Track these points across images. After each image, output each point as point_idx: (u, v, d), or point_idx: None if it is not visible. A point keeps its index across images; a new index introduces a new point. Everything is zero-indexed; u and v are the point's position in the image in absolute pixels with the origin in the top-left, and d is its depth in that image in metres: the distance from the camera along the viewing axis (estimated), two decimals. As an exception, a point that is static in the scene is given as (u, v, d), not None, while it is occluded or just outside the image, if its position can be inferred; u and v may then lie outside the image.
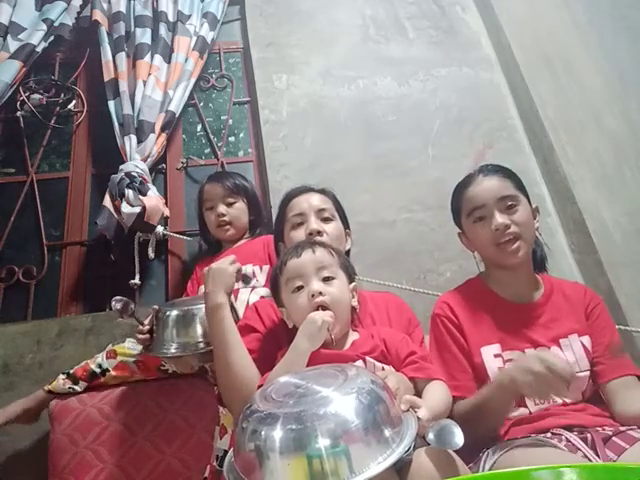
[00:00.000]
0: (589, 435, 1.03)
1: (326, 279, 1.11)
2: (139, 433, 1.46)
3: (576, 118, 2.15)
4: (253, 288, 1.59)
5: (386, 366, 1.08)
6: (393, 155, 2.24)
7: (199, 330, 1.30)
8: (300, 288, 1.11)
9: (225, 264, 1.24)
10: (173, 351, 1.30)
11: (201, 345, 1.29)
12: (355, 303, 1.16)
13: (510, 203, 1.24)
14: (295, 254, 1.13)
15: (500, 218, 1.22)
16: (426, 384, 1.06)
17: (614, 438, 1.01)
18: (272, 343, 1.16)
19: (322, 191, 1.45)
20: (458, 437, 0.78)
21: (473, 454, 1.07)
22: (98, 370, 1.55)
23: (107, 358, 1.56)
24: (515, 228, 1.22)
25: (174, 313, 1.33)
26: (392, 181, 2.19)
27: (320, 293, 1.08)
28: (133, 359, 1.54)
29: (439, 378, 1.09)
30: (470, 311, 1.25)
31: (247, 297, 1.54)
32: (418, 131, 2.31)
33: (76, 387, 1.54)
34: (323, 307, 1.07)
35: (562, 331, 1.20)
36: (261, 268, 1.63)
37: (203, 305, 1.23)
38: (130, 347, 1.56)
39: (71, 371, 1.57)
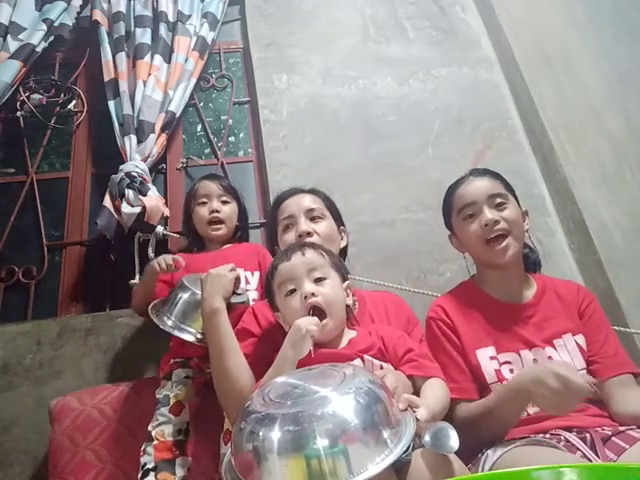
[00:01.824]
0: (588, 435, 1.03)
1: (318, 280, 1.11)
2: (139, 433, 1.46)
3: (576, 118, 2.15)
4: (246, 291, 1.58)
5: (384, 364, 1.08)
6: (393, 155, 2.24)
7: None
8: (293, 291, 1.11)
9: (224, 270, 1.25)
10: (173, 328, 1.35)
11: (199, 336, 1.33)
12: (350, 301, 1.16)
13: (500, 201, 1.26)
14: (285, 258, 1.14)
15: (489, 214, 1.23)
16: (424, 382, 1.06)
17: (614, 438, 1.01)
18: (270, 346, 1.16)
19: (312, 191, 1.46)
20: (453, 440, 0.78)
21: (472, 454, 1.07)
22: (180, 437, 1.33)
23: (177, 414, 1.35)
24: (504, 224, 1.23)
25: (191, 293, 1.37)
26: (392, 181, 2.19)
27: (312, 294, 1.08)
28: (192, 394, 1.44)
29: (437, 376, 1.09)
30: (464, 314, 1.26)
31: None
32: (418, 131, 2.31)
33: (178, 474, 1.27)
34: (317, 308, 1.07)
35: (556, 331, 1.20)
36: (252, 273, 1.62)
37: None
38: (179, 391, 1.41)
39: (151, 465, 1.27)
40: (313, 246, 1.18)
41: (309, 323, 1.02)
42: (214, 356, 1.15)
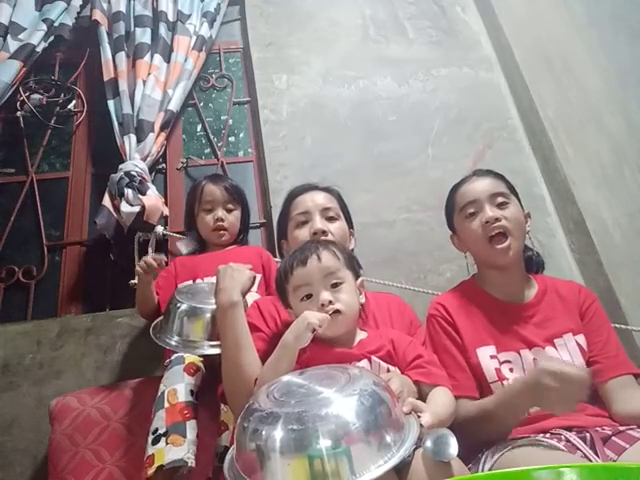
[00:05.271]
0: (588, 435, 1.03)
1: (334, 285, 1.09)
2: (139, 433, 1.45)
3: (576, 118, 2.15)
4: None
5: (391, 367, 1.07)
6: (393, 155, 2.25)
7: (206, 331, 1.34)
8: (309, 296, 1.09)
9: (244, 267, 1.24)
10: (177, 345, 1.35)
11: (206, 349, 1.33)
12: (363, 300, 1.16)
13: (501, 200, 1.27)
14: (301, 262, 1.10)
15: (490, 211, 1.24)
16: (431, 389, 1.05)
17: (614, 438, 1.01)
18: (276, 344, 1.15)
19: (327, 189, 1.44)
20: (453, 448, 0.77)
21: (473, 454, 1.07)
22: (192, 398, 1.28)
23: (191, 374, 1.32)
24: (505, 222, 1.23)
25: (186, 306, 1.37)
26: (392, 181, 2.19)
27: (330, 302, 1.06)
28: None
29: (445, 385, 1.08)
30: (465, 312, 1.26)
31: None
32: (418, 131, 2.32)
33: (192, 445, 1.21)
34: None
35: (557, 330, 1.20)
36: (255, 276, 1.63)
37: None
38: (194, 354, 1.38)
39: (162, 430, 1.21)
40: (328, 246, 1.15)
41: (314, 317, 1.00)
42: (227, 350, 1.12)
